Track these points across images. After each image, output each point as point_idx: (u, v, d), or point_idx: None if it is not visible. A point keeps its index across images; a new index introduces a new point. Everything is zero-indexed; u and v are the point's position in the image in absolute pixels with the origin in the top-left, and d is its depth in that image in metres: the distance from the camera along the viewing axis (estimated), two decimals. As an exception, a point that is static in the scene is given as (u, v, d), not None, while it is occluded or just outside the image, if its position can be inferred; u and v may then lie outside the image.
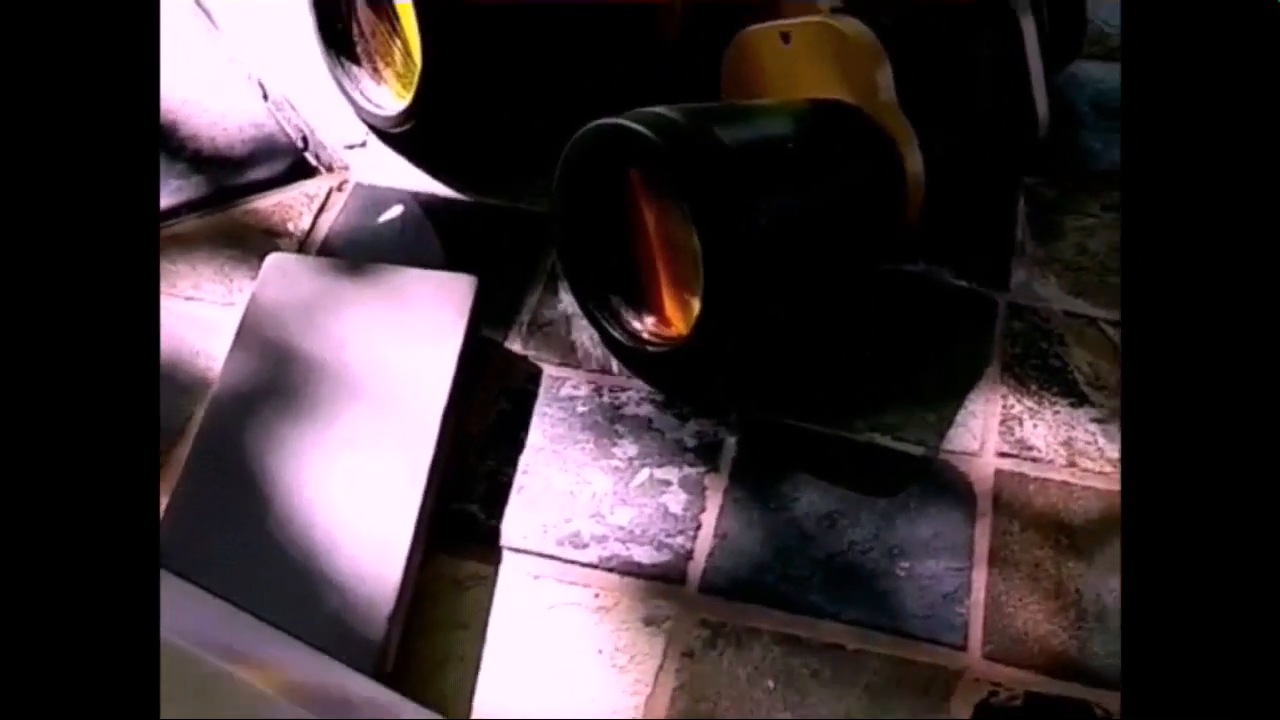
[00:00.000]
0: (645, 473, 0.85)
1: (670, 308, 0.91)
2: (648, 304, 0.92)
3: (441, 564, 0.79)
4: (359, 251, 0.98)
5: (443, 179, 1.05)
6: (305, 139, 1.09)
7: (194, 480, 0.77)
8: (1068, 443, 0.88)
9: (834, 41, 0.94)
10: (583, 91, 0.99)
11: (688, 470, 0.86)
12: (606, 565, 0.80)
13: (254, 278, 0.91)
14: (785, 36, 0.96)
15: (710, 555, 0.81)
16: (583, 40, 1.03)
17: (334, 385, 0.82)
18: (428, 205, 1.03)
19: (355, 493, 0.77)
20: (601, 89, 0.97)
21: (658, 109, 0.87)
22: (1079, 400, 0.91)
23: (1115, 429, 0.89)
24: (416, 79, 1.00)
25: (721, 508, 0.84)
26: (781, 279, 0.86)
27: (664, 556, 0.81)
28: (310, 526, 0.75)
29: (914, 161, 0.92)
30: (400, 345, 0.85)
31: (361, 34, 1.08)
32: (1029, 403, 0.91)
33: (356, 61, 1.08)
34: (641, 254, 0.92)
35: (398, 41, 1.04)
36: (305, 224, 1.01)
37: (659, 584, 0.80)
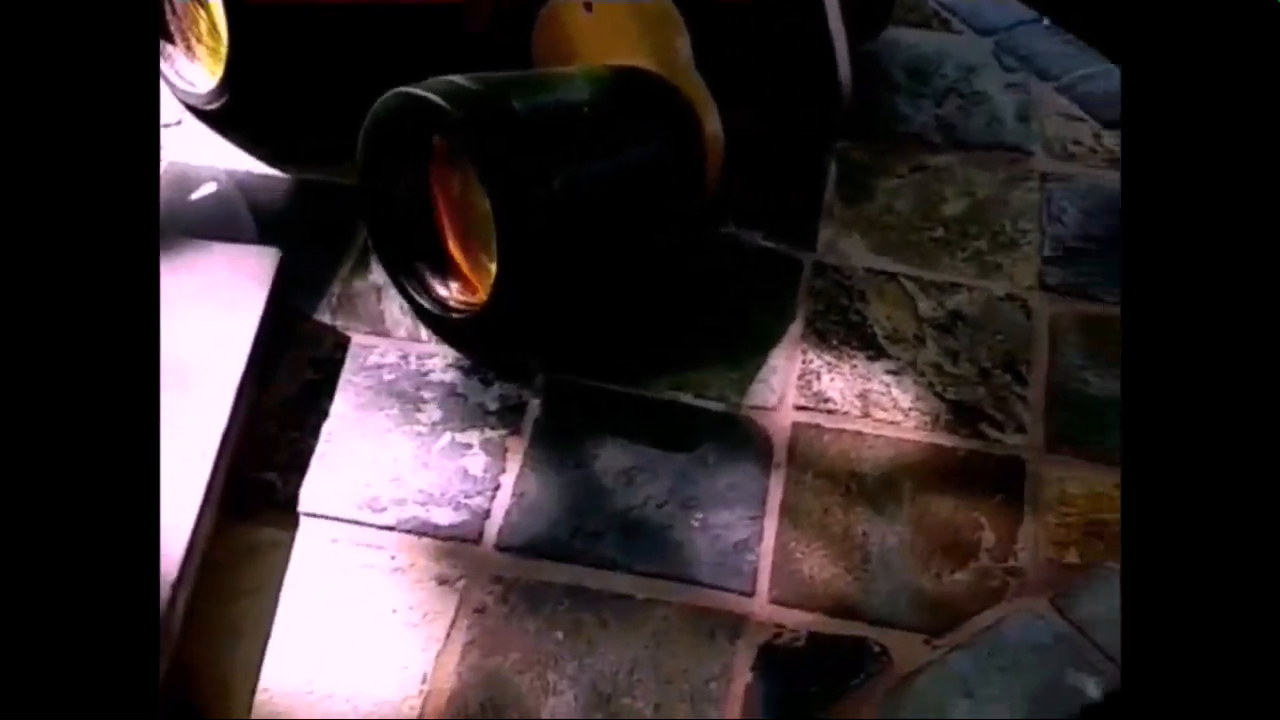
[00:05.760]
0: (447, 437, 0.87)
1: (474, 274, 0.92)
2: (453, 271, 0.93)
3: (236, 533, 0.80)
4: (170, 229, 0.98)
5: (257, 155, 1.05)
6: (122, 119, 1.09)
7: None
8: (863, 394, 0.91)
9: (634, 10, 0.96)
10: (393, 64, 0.99)
11: (490, 433, 0.87)
12: (404, 527, 0.82)
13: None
14: (588, 6, 0.98)
15: (507, 514, 0.83)
16: (392, 22, 1.03)
17: (126, 359, 0.82)
18: (242, 182, 1.03)
19: (145, 464, 0.77)
20: (413, 62, 0.97)
21: (453, 77, 0.88)
22: (876, 353, 0.94)
23: (909, 380, 0.92)
24: (224, 54, 1.00)
25: (521, 468, 0.85)
26: (576, 241, 0.88)
27: (461, 517, 0.82)
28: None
29: (713, 125, 0.94)
30: (198, 318, 0.85)
31: (173, 11, 1.07)
32: (828, 357, 0.94)
33: (170, 39, 1.08)
34: (447, 221, 0.93)
35: (203, 13, 1.04)
36: (115, 203, 1.01)
37: (455, 544, 0.81)
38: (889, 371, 0.93)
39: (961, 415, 0.90)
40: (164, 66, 1.08)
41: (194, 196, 1.01)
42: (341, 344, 0.92)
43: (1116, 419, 0.89)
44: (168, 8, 1.07)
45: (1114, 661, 0.76)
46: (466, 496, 0.83)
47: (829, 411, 0.90)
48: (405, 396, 0.89)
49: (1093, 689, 0.75)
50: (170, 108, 1.08)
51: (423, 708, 0.73)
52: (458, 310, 0.91)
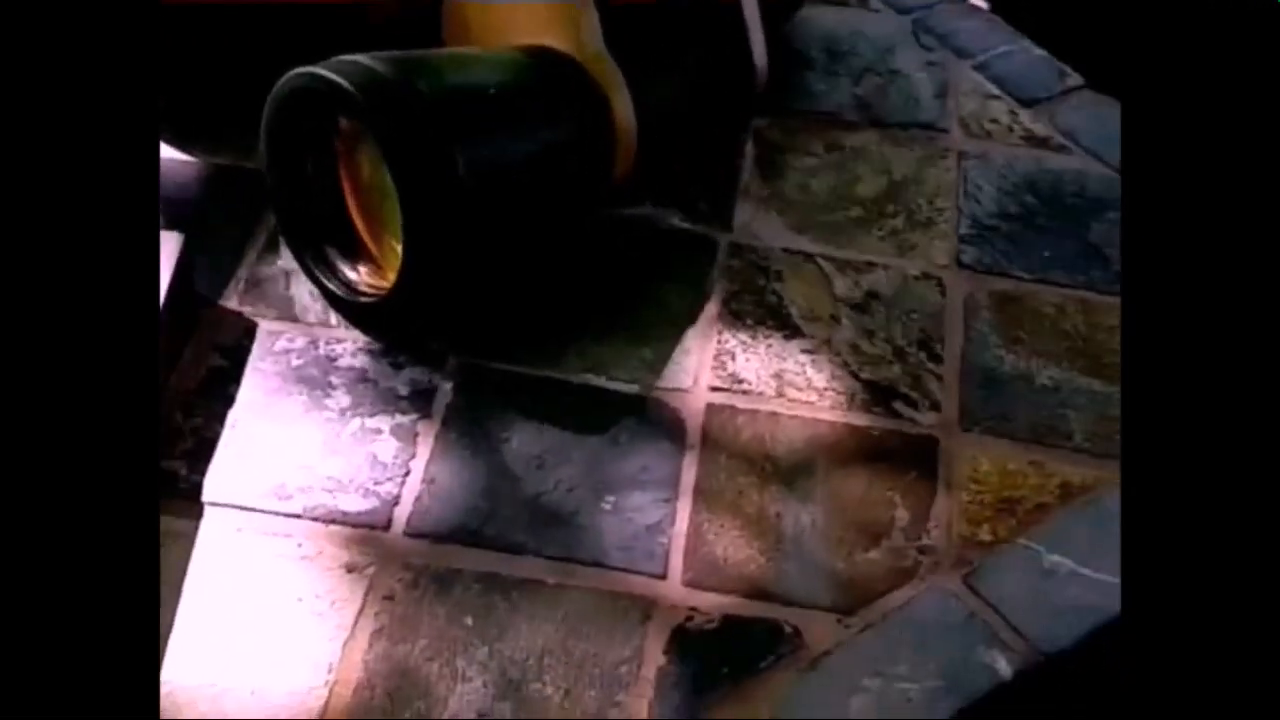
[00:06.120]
0: (357, 422, 0.85)
1: (382, 257, 0.91)
2: (362, 253, 0.92)
3: (138, 523, 0.78)
4: (72, 214, 0.96)
5: (164, 139, 1.03)
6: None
7: None
8: (778, 374, 0.91)
9: (544, -11, 0.95)
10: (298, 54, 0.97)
11: (400, 418, 0.86)
12: (311, 515, 0.80)
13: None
14: (498, -15, 0.97)
15: (418, 500, 0.82)
16: (295, 18, 1.01)
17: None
18: (148, 165, 1.01)
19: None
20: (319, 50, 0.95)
21: (357, 57, 0.86)
22: (792, 333, 0.94)
23: (825, 359, 0.92)
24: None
25: (432, 453, 0.84)
26: (483, 223, 0.86)
27: (370, 504, 0.81)
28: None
29: (623, 107, 0.94)
30: (97, 305, 0.83)
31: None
32: (743, 337, 0.93)
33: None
34: (355, 203, 0.92)
35: None
36: (15, 188, 0.98)
37: (364, 531, 0.80)
38: (804, 351, 0.92)
39: (876, 394, 0.90)
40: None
41: (97, 181, 0.99)
42: (249, 330, 0.90)
43: (1028, 396, 0.90)
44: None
45: (1025, 638, 0.77)
46: (376, 483, 0.82)
47: (744, 392, 0.90)
48: (314, 382, 0.88)
49: (1004, 666, 0.75)
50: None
51: (328, 698, 0.72)
52: (366, 294, 0.90)
